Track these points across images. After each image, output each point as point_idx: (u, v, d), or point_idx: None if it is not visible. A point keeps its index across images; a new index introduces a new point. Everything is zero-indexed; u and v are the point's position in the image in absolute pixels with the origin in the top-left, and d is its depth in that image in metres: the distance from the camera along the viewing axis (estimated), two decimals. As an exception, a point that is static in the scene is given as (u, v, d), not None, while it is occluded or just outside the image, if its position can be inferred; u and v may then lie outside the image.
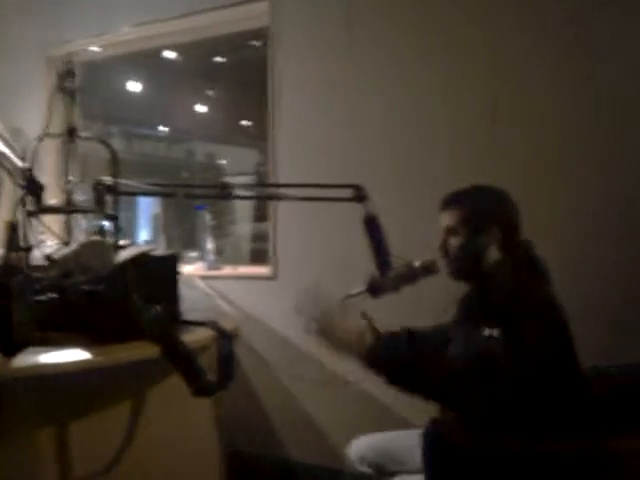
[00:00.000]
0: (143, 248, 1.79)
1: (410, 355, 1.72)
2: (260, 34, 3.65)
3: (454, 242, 1.94)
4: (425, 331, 2.17)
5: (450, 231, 1.95)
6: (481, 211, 1.92)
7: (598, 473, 1.58)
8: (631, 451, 1.58)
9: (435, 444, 1.64)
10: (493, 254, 1.92)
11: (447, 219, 1.96)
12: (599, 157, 2.65)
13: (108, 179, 1.82)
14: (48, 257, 1.73)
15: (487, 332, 1.73)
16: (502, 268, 1.88)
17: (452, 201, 1.97)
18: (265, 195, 2.77)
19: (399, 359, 1.71)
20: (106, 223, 1.85)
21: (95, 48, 4.19)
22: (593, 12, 2.65)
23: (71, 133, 2.11)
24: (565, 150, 2.72)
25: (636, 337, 2.40)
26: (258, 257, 4.12)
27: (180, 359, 1.53)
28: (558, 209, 2.69)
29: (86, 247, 1.52)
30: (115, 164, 1.85)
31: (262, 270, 3.63)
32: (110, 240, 1.75)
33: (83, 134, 2.25)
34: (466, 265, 1.95)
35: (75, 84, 2.11)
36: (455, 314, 2.11)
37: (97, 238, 1.70)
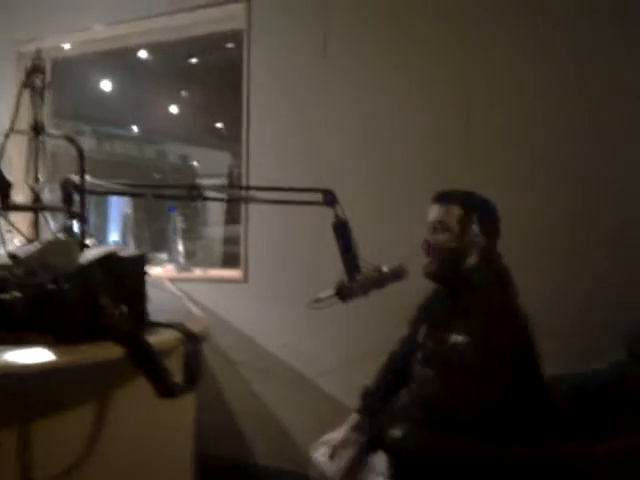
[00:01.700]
0: (110, 248, 1.77)
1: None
2: (235, 36, 3.64)
3: (443, 238, 1.95)
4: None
5: (440, 226, 1.96)
6: (477, 214, 1.95)
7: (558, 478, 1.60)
8: (591, 456, 1.60)
9: (401, 447, 1.64)
10: (472, 260, 1.94)
11: (440, 214, 1.97)
12: (577, 167, 2.67)
13: (76, 177, 1.80)
14: (12, 255, 1.70)
15: (454, 339, 1.74)
16: (477, 275, 1.90)
17: (449, 197, 1.99)
18: (236, 197, 2.75)
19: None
20: (73, 222, 1.82)
21: (68, 46, 4.15)
22: (574, 19, 2.68)
23: (37, 130, 2.07)
24: (541, 158, 2.74)
25: (594, 344, 2.43)
26: (230, 260, 4.11)
27: (145, 360, 1.52)
28: (532, 219, 2.71)
29: (51, 246, 1.49)
30: (81, 162, 1.82)
31: (233, 273, 3.62)
32: (76, 239, 1.72)
33: (50, 131, 2.21)
34: (446, 264, 1.96)
35: (44, 80, 2.08)
36: (415, 318, 2.12)
37: (62, 237, 1.68)
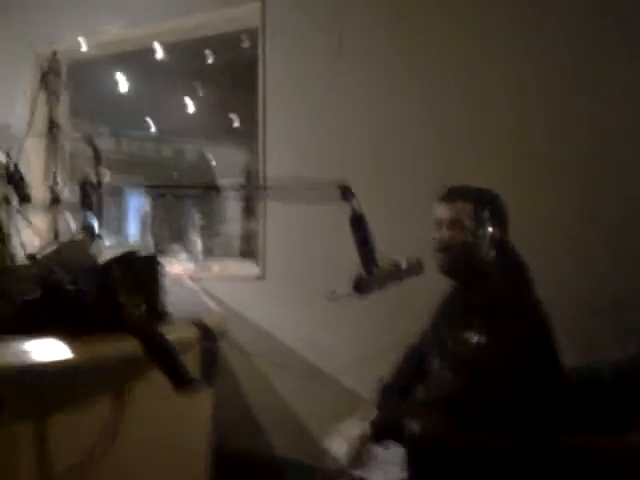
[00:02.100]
0: (128, 247, 1.79)
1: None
2: (250, 35, 3.64)
3: (455, 235, 1.95)
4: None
5: (455, 224, 1.96)
6: (488, 212, 1.95)
7: (581, 470, 1.60)
8: (612, 447, 1.59)
9: (418, 441, 1.65)
10: (486, 254, 1.94)
11: (453, 212, 1.97)
12: (582, 159, 2.67)
13: (95, 177, 1.82)
14: (31, 256, 1.72)
15: (473, 339, 1.74)
16: (493, 269, 1.90)
17: (460, 195, 1.99)
18: (252, 194, 2.76)
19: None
20: (92, 222, 1.84)
21: (85, 47, 4.18)
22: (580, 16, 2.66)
23: (53, 130, 2.09)
24: (550, 152, 2.73)
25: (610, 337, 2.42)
26: (247, 256, 4.12)
27: (162, 356, 1.53)
28: (541, 211, 2.70)
29: (68, 246, 1.51)
30: (98, 162, 1.84)
31: (250, 270, 3.63)
32: (94, 238, 1.74)
33: (68, 132, 2.24)
34: (460, 260, 1.96)
35: (59, 81, 2.10)
36: (437, 312, 2.12)
37: (79, 237, 1.70)
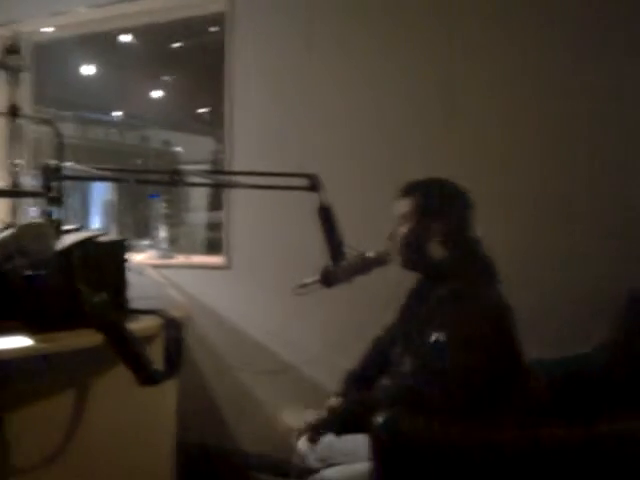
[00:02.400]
0: (89, 233, 1.74)
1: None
2: (218, 19, 3.59)
3: (401, 231, 1.97)
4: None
5: (402, 219, 1.98)
6: (428, 204, 1.94)
7: (542, 462, 1.60)
8: (573, 439, 1.60)
9: (384, 433, 1.64)
10: (438, 249, 1.93)
11: (400, 207, 1.99)
12: (555, 148, 2.67)
13: (55, 162, 1.77)
14: (-13, 240, 1.67)
15: (434, 336, 1.74)
16: (446, 265, 1.90)
17: (407, 190, 2.00)
18: (219, 183, 2.72)
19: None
20: (53, 208, 1.79)
21: (49, 29, 4.08)
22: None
23: (14, 112, 2.03)
24: (520, 140, 2.73)
25: (575, 330, 2.44)
26: (213, 246, 4.08)
27: (125, 347, 1.49)
28: (510, 199, 2.70)
29: (26, 230, 1.46)
30: (60, 146, 1.79)
31: (216, 259, 3.59)
32: (53, 223, 1.69)
33: (28, 114, 2.17)
34: (410, 255, 1.98)
35: (20, 62, 2.03)
36: (403, 305, 2.12)
37: (38, 221, 1.64)
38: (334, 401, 2.09)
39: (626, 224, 2.50)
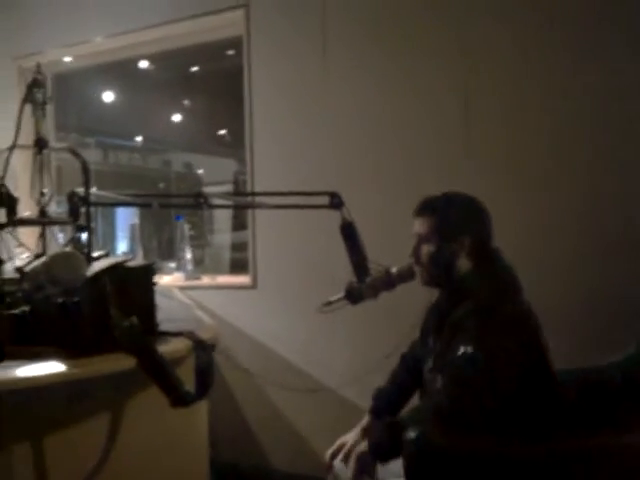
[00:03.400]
0: (117, 259, 1.77)
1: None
2: (235, 43, 3.64)
3: (425, 250, 1.95)
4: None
5: (422, 239, 1.96)
6: (451, 220, 1.92)
7: (580, 473, 1.59)
8: (604, 448, 1.59)
9: (416, 448, 1.63)
10: (463, 263, 1.92)
11: (419, 227, 1.97)
12: (580, 156, 2.66)
13: (81, 190, 1.81)
14: (19, 269, 1.70)
15: (462, 350, 1.73)
16: (471, 279, 1.89)
17: (424, 209, 1.97)
18: (242, 204, 2.75)
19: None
20: (81, 235, 1.83)
21: (69, 59, 4.16)
22: (573, 10, 2.67)
23: (40, 144, 2.07)
24: (541, 150, 2.73)
25: (597, 342, 2.42)
26: (238, 266, 4.10)
27: (156, 370, 1.51)
28: (534, 210, 2.70)
29: (57, 259, 1.49)
30: (86, 174, 1.83)
31: (241, 279, 3.62)
32: (83, 251, 1.72)
33: (53, 145, 2.22)
34: (436, 274, 1.95)
35: (44, 95, 2.08)
36: (423, 323, 2.11)
37: (68, 249, 1.68)
38: (367, 422, 2.08)
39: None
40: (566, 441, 1.62)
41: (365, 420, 2.10)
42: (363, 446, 1.84)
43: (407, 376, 2.17)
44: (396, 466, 1.71)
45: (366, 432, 2.03)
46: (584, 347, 2.42)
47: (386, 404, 2.14)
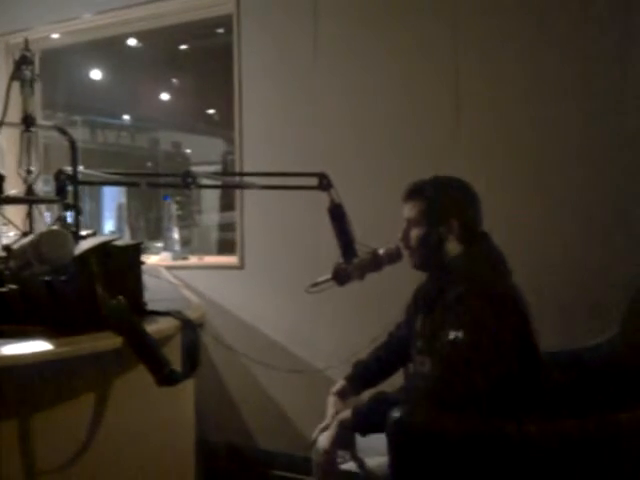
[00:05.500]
0: (105, 238, 1.77)
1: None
2: (225, 21, 3.61)
3: (414, 233, 1.97)
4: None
5: (411, 222, 1.98)
6: (440, 204, 1.94)
7: (560, 454, 1.61)
8: (588, 429, 1.61)
9: (400, 427, 1.65)
10: (452, 246, 1.93)
11: (408, 211, 1.99)
12: (566, 145, 2.67)
13: (69, 168, 1.80)
14: (6, 247, 1.70)
15: (452, 335, 1.74)
16: (460, 262, 1.90)
17: (412, 193, 1.99)
18: (230, 184, 2.75)
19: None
20: (68, 213, 1.82)
21: (56, 35, 4.12)
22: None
23: (28, 122, 2.06)
24: (530, 135, 2.73)
25: (586, 322, 2.45)
26: (226, 246, 4.10)
27: (143, 349, 1.52)
28: (523, 193, 2.71)
29: (44, 237, 1.49)
30: (73, 152, 1.82)
31: (229, 259, 3.62)
32: (70, 230, 1.72)
33: (41, 122, 2.20)
34: (425, 256, 1.98)
35: (32, 72, 2.06)
36: (410, 304, 2.13)
37: (55, 228, 1.67)
38: (340, 387, 2.15)
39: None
40: (551, 422, 1.64)
41: (338, 384, 2.16)
42: (346, 413, 1.87)
43: (389, 354, 2.20)
44: (379, 443, 1.73)
45: (341, 395, 2.10)
46: (570, 330, 2.45)
47: (362, 374, 2.19)
